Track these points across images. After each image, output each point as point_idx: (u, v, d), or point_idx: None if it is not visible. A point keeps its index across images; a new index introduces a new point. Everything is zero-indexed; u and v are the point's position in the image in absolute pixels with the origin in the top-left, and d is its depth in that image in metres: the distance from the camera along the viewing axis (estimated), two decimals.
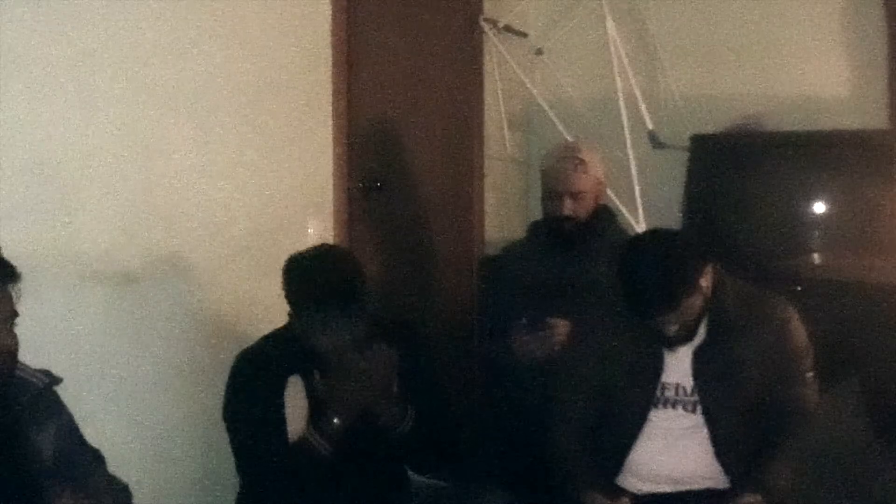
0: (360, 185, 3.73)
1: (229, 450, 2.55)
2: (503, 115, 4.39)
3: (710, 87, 4.29)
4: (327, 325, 2.42)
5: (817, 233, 3.77)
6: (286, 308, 2.51)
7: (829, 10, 4.16)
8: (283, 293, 2.49)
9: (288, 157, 3.32)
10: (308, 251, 2.55)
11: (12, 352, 1.97)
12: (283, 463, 2.44)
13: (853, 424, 2.23)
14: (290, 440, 2.46)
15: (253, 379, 2.50)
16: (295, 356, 2.50)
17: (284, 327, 2.56)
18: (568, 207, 3.14)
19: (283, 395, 2.47)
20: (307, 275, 2.47)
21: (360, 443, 2.47)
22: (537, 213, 3.36)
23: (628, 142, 3.97)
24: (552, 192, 3.17)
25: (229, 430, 2.53)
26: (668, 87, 4.31)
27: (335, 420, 2.43)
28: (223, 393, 2.54)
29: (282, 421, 2.46)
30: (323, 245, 2.69)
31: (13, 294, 1.97)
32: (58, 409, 2.08)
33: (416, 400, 2.54)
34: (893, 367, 2.24)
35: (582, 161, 3.16)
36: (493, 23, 4.20)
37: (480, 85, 4.18)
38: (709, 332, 2.58)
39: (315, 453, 2.43)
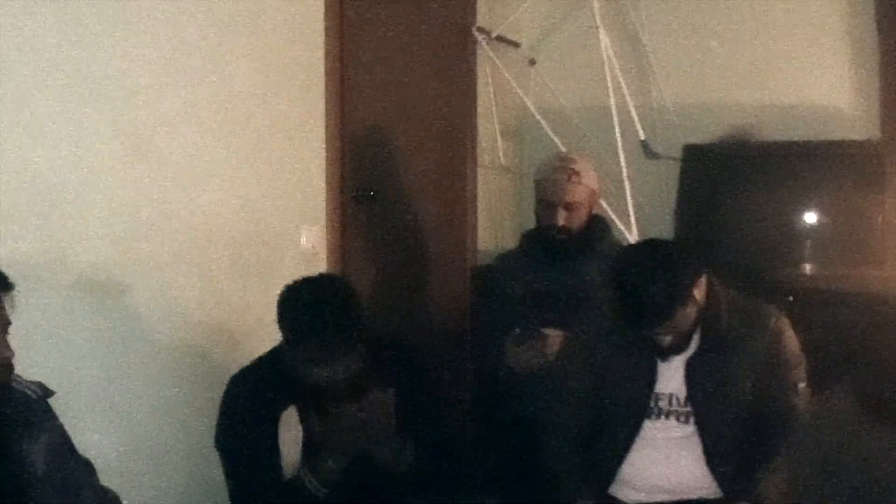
0: (354, 194, 3.73)
1: (219, 461, 2.54)
2: (496, 125, 4.40)
3: (702, 98, 4.30)
4: (321, 361, 2.36)
5: (810, 243, 3.77)
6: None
7: (821, 21, 4.17)
8: (276, 306, 2.46)
9: (281, 166, 3.32)
10: (304, 282, 2.45)
11: (9, 362, 1.97)
12: (277, 500, 2.40)
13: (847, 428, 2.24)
14: (284, 469, 2.42)
15: (247, 408, 2.45)
16: (290, 385, 2.44)
17: (278, 350, 2.51)
18: (561, 218, 3.14)
19: (277, 426, 2.43)
20: (302, 309, 2.38)
21: (355, 482, 2.43)
22: (530, 223, 3.36)
23: (621, 152, 3.97)
24: (546, 203, 3.17)
25: (222, 458, 2.49)
26: (661, 97, 4.32)
27: (330, 462, 2.39)
28: (214, 405, 2.53)
29: (276, 452, 2.43)
30: (320, 276, 2.58)
31: (6, 304, 1.96)
32: (50, 419, 2.07)
33: (415, 432, 2.49)
34: (886, 377, 2.24)
35: (576, 172, 3.16)
36: (487, 33, 4.20)
37: (473, 95, 4.18)
38: (702, 343, 2.59)
39: (309, 494, 2.39)
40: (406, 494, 2.55)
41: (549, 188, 3.17)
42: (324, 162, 3.53)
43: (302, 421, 2.44)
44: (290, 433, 2.44)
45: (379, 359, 2.48)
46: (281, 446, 2.43)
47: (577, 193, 3.15)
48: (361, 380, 2.40)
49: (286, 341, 2.43)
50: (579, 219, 3.16)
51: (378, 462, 2.45)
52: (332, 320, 2.34)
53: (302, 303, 2.39)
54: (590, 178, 3.19)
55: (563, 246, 3.16)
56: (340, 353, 2.36)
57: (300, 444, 2.44)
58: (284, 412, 2.44)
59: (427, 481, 2.53)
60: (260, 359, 2.56)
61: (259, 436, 2.42)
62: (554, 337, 2.98)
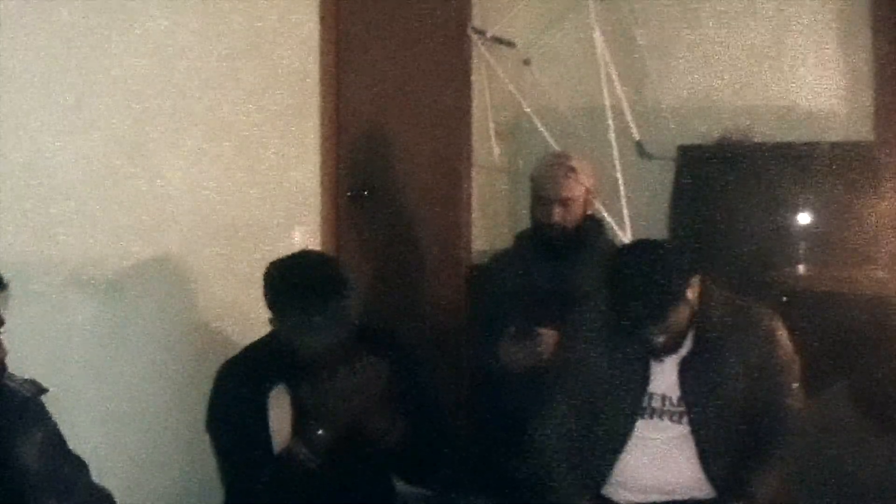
0: (348, 193, 3.72)
1: (214, 458, 2.54)
2: (491, 125, 4.39)
3: (697, 98, 4.31)
4: (310, 328, 2.39)
5: (804, 244, 3.78)
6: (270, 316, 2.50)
7: (815, 22, 4.18)
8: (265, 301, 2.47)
9: (275, 165, 3.32)
10: (288, 257, 2.53)
11: (1, 361, 1.96)
12: (268, 474, 2.42)
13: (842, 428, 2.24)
14: (276, 450, 2.44)
15: (237, 388, 2.48)
16: (279, 365, 2.47)
17: (268, 336, 2.54)
18: (557, 214, 3.14)
19: (267, 404, 2.45)
20: (288, 278, 2.45)
21: (346, 454, 2.44)
22: (524, 223, 3.37)
23: (615, 152, 3.97)
24: (542, 199, 3.18)
25: (213, 439, 2.52)
26: (656, 98, 4.32)
27: (320, 431, 2.40)
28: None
29: (266, 430, 2.44)
30: (303, 251, 2.67)
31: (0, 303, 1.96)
32: (43, 418, 2.07)
33: (404, 410, 2.51)
34: (881, 378, 2.25)
35: (572, 169, 3.17)
36: (482, 32, 4.20)
37: (468, 94, 4.18)
38: (695, 343, 2.59)
39: (300, 464, 2.40)
40: (395, 467, 2.59)
41: (545, 184, 3.18)
42: (318, 160, 3.53)
43: (292, 398, 2.46)
44: (280, 412, 2.45)
45: (371, 341, 2.50)
46: (271, 426, 2.45)
47: (573, 189, 3.15)
48: (353, 351, 2.42)
49: (274, 314, 2.45)
50: (574, 216, 3.16)
51: (369, 432, 2.46)
52: (319, 281, 2.41)
53: (288, 270, 2.47)
54: (586, 176, 3.20)
55: (558, 243, 3.16)
56: (328, 318, 2.38)
57: (290, 424, 2.45)
58: (274, 392, 2.46)
59: (416, 456, 2.55)
60: (249, 346, 2.59)
61: (249, 415, 2.44)
62: (548, 336, 2.98)
